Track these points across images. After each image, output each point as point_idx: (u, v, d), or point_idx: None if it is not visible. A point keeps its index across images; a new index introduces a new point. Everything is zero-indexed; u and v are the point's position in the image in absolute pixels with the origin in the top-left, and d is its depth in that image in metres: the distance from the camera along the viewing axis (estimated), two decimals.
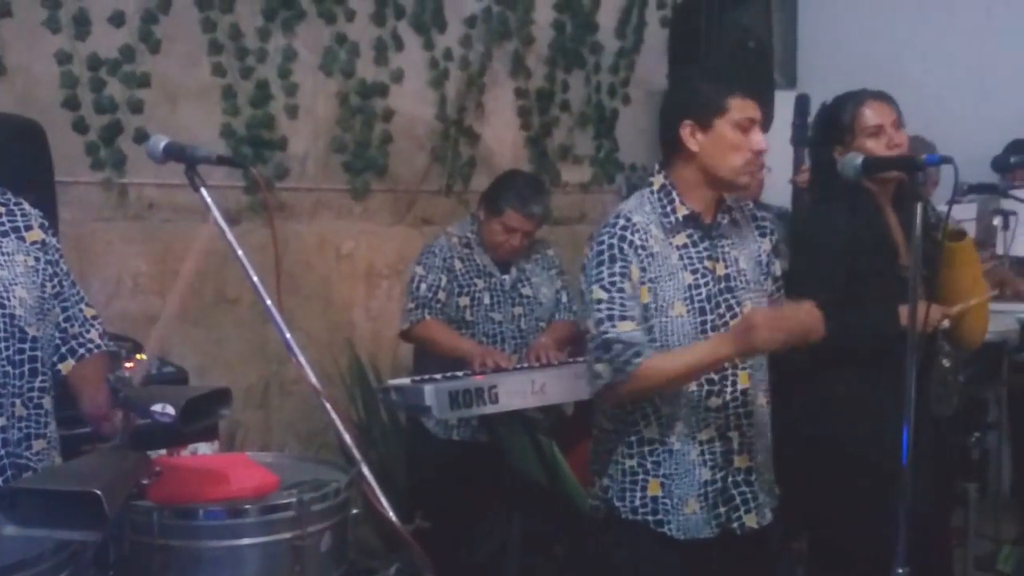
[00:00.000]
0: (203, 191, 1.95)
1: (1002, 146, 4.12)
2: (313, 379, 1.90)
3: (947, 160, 2.16)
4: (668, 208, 2.28)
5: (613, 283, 2.19)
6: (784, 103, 4.46)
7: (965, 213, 3.75)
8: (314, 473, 1.97)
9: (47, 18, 3.72)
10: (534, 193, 3.47)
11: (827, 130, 2.77)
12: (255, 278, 1.92)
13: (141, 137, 3.79)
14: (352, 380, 4.25)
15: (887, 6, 4.84)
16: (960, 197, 2.44)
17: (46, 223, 2.16)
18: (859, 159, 2.24)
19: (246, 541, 1.78)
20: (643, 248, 2.22)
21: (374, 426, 4.16)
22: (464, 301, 3.43)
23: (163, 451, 1.92)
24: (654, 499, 2.27)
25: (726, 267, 2.31)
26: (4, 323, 1.97)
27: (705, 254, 2.29)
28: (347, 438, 1.88)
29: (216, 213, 1.95)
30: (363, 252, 4.46)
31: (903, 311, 2.56)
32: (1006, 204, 3.89)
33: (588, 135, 5.15)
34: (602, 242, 2.23)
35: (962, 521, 3.42)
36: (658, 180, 2.32)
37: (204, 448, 2.02)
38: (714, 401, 2.27)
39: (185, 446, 1.96)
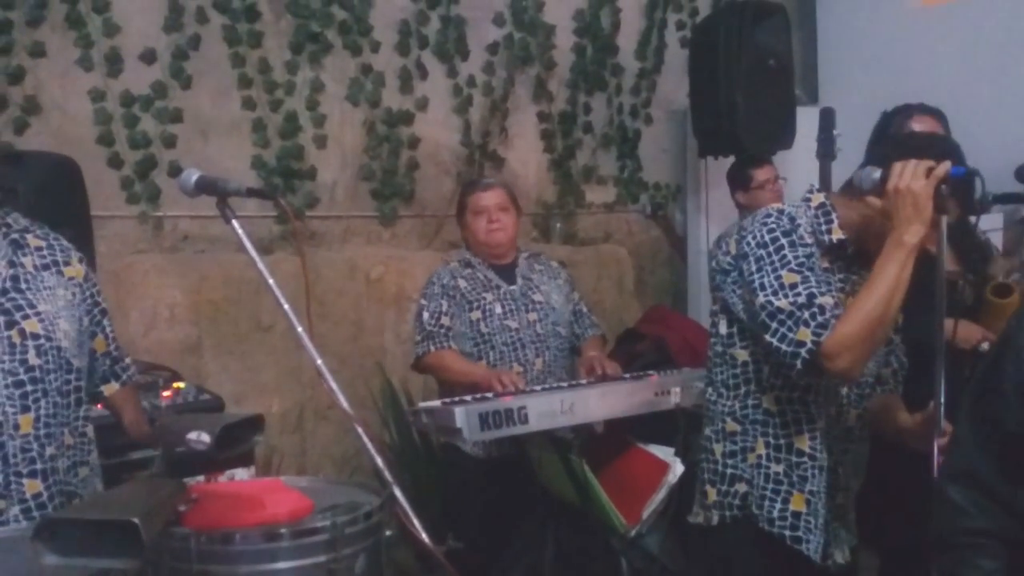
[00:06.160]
0: (234, 223, 2.01)
1: None
2: (345, 403, 1.94)
3: (973, 172, 2.06)
4: (824, 228, 2.17)
5: (802, 264, 2.06)
6: (805, 119, 4.48)
7: (991, 223, 3.72)
8: (348, 496, 1.98)
9: (80, 57, 3.82)
10: (480, 178, 3.86)
11: (877, 138, 2.76)
12: (287, 306, 1.97)
13: (175, 171, 3.86)
14: (384, 403, 4.28)
15: (906, 19, 4.84)
16: (986, 208, 2.37)
17: (83, 257, 2.22)
18: (877, 173, 2.11)
19: (282, 565, 1.80)
20: (811, 244, 2.11)
21: (407, 448, 4.18)
22: (476, 315, 3.43)
23: (200, 478, 1.96)
24: (796, 514, 2.17)
25: None
26: (53, 355, 2.03)
27: (839, 286, 2.19)
28: (379, 461, 1.92)
29: (248, 244, 2.01)
30: (392, 277, 4.50)
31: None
32: None
33: (611, 156, 5.19)
34: (772, 230, 2.09)
35: None
36: (817, 198, 2.21)
37: (241, 473, 2.06)
38: (836, 431, 2.23)
39: (223, 471, 2.00)
